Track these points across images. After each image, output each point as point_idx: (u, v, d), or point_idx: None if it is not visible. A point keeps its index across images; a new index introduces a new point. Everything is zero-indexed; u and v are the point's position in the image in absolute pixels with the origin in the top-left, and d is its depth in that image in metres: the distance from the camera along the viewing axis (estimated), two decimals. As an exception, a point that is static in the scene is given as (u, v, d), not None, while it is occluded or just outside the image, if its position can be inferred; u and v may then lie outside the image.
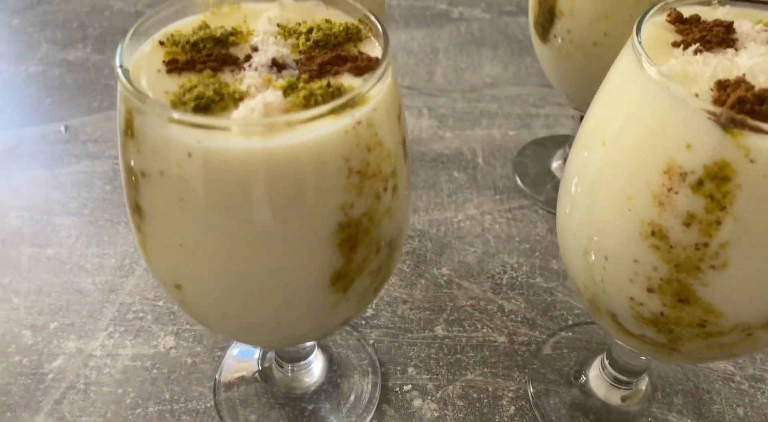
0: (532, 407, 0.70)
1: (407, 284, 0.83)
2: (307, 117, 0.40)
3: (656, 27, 0.51)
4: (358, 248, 0.47)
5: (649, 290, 0.48)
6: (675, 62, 0.46)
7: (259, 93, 0.44)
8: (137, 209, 0.47)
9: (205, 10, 0.51)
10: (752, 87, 0.42)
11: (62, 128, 1.07)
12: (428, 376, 0.73)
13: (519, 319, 0.79)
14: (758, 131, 0.39)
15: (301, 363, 0.71)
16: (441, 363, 0.74)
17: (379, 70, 0.44)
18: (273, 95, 0.42)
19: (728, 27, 0.49)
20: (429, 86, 1.15)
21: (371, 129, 0.43)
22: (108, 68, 1.21)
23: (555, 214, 0.94)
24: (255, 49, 0.48)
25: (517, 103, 1.13)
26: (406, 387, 0.72)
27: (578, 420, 0.69)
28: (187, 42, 0.47)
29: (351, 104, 0.42)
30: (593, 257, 0.51)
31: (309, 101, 0.42)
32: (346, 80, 0.45)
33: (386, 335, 0.77)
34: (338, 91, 0.43)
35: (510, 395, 0.71)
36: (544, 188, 0.95)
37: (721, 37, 0.48)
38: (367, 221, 0.46)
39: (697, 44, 0.48)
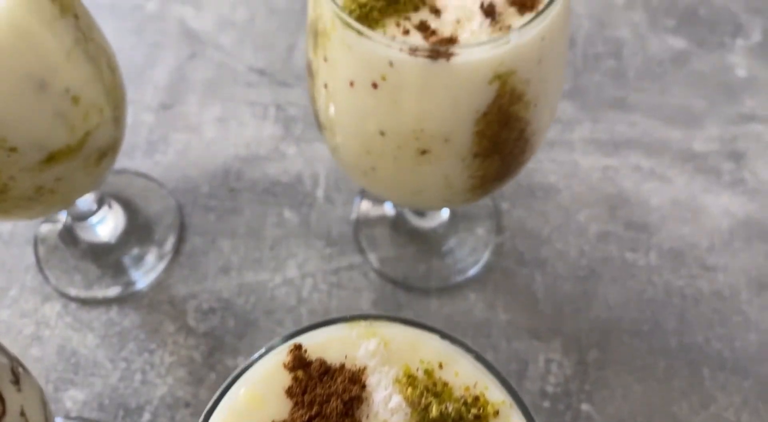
0: None
1: (195, 380, 0.74)
2: None
3: (269, 377, 0.38)
4: None
5: None
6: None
7: None
8: None
9: None
10: None
11: None
12: None
13: None
14: None
15: None
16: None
17: None
18: None
19: (350, 402, 0.36)
20: (284, 71, 0.96)
21: None
22: None
23: (385, 278, 0.79)
24: None
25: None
26: None
27: None
28: None
29: None
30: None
31: None
32: None
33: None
34: None
35: None
36: (383, 240, 0.83)
37: (335, 419, 0.35)
38: None
39: None
